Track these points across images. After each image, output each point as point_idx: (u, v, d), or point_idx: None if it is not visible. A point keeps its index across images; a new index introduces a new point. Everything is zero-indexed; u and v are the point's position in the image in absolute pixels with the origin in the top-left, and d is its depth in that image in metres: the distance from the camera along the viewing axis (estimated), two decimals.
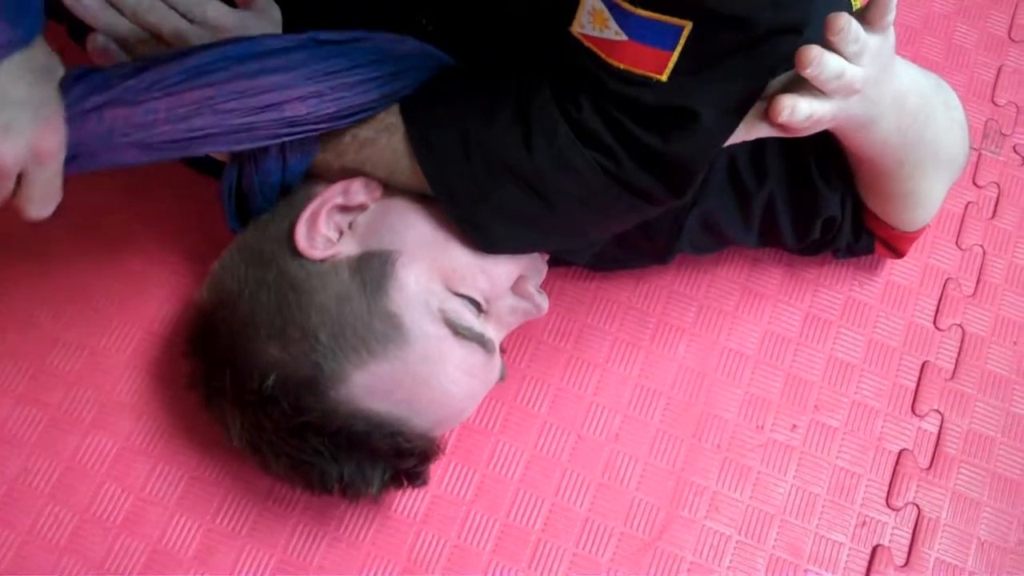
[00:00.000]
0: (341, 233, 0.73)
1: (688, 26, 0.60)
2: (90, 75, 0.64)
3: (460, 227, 0.71)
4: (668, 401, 0.89)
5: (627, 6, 0.60)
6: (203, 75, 0.65)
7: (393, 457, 0.72)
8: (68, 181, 0.92)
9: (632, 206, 0.69)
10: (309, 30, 0.68)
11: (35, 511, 0.81)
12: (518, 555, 0.83)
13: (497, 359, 0.76)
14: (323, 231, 0.72)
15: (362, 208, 0.74)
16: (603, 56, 0.63)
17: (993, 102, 1.05)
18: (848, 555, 0.85)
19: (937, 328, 0.94)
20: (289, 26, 0.76)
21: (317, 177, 0.74)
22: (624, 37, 0.61)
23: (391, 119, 0.69)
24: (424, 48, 0.71)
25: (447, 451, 0.85)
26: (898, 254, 0.90)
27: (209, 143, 0.66)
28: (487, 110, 0.67)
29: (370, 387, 0.70)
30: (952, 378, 0.92)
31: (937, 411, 0.91)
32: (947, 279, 0.96)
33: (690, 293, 0.94)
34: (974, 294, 0.96)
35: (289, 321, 0.70)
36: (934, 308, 0.95)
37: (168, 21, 0.66)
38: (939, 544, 0.86)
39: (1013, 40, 1.09)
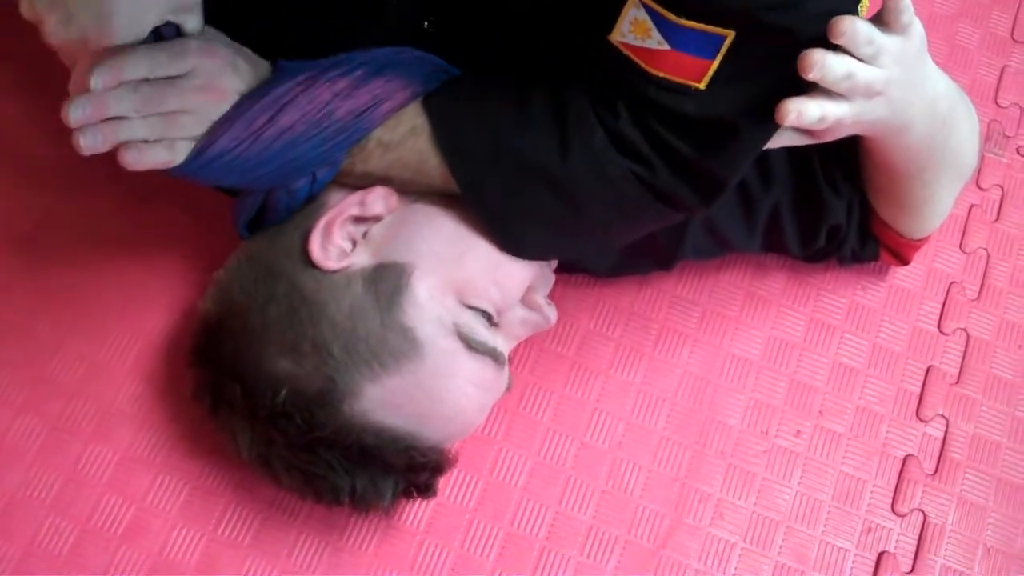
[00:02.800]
0: (354, 244, 0.73)
1: (730, 36, 0.60)
2: None
3: (490, 228, 0.71)
4: (672, 408, 0.89)
5: (672, 17, 0.60)
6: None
7: (407, 471, 0.72)
8: (69, 192, 0.92)
9: (660, 214, 0.69)
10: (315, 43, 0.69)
11: (36, 523, 0.81)
12: (522, 564, 0.83)
13: (506, 371, 0.76)
14: (337, 242, 0.71)
15: (377, 219, 0.73)
16: (642, 64, 0.63)
17: (996, 103, 1.05)
18: (853, 562, 0.85)
19: (941, 332, 0.94)
20: (290, 29, 0.75)
21: (331, 183, 0.74)
22: (666, 46, 0.61)
23: (416, 121, 0.69)
24: (425, 57, 0.70)
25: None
26: (903, 261, 0.90)
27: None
28: (520, 113, 0.67)
29: (383, 401, 0.70)
30: (957, 383, 0.92)
31: (942, 416, 0.91)
32: (951, 283, 0.96)
33: (693, 298, 0.93)
34: (978, 298, 0.96)
35: (301, 335, 0.69)
36: (938, 312, 0.95)
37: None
38: (945, 550, 0.86)
39: (1016, 41, 1.08)
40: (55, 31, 0.63)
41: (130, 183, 0.90)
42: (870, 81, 0.66)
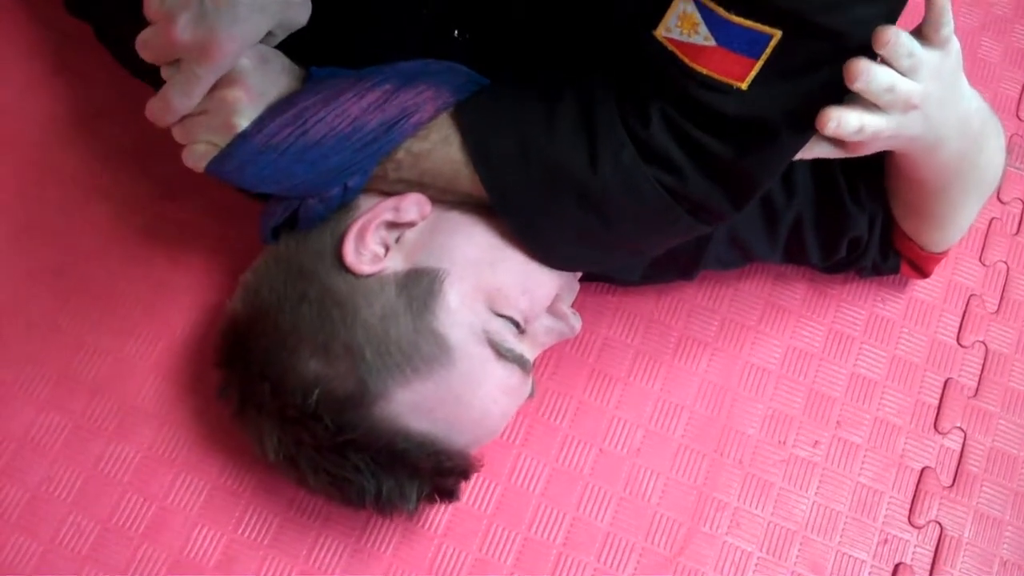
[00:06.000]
0: (387, 249, 0.73)
1: (777, 35, 0.60)
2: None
3: (520, 238, 0.71)
4: (690, 416, 0.89)
5: (722, 12, 0.60)
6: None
7: (435, 475, 0.72)
8: (95, 188, 0.92)
9: (689, 226, 0.69)
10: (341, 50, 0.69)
11: (57, 520, 0.81)
12: (539, 569, 0.83)
13: (531, 378, 0.76)
14: (371, 246, 0.72)
15: (411, 225, 0.73)
16: (686, 60, 0.63)
17: (1018, 117, 1.05)
18: (870, 573, 0.85)
19: (960, 345, 0.94)
20: (323, 37, 0.76)
21: (363, 188, 0.74)
22: (712, 43, 0.62)
23: (446, 131, 0.69)
24: (454, 67, 0.71)
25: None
26: (923, 274, 0.90)
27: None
28: (549, 120, 0.67)
29: (413, 405, 0.70)
30: (975, 395, 0.92)
31: (960, 428, 0.91)
32: (970, 295, 0.96)
33: (713, 307, 0.93)
34: (997, 311, 0.96)
35: (332, 337, 0.70)
36: (957, 325, 0.95)
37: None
38: (961, 562, 0.86)
39: None
40: (184, 29, 0.62)
41: (156, 179, 0.92)
42: (909, 94, 0.66)
